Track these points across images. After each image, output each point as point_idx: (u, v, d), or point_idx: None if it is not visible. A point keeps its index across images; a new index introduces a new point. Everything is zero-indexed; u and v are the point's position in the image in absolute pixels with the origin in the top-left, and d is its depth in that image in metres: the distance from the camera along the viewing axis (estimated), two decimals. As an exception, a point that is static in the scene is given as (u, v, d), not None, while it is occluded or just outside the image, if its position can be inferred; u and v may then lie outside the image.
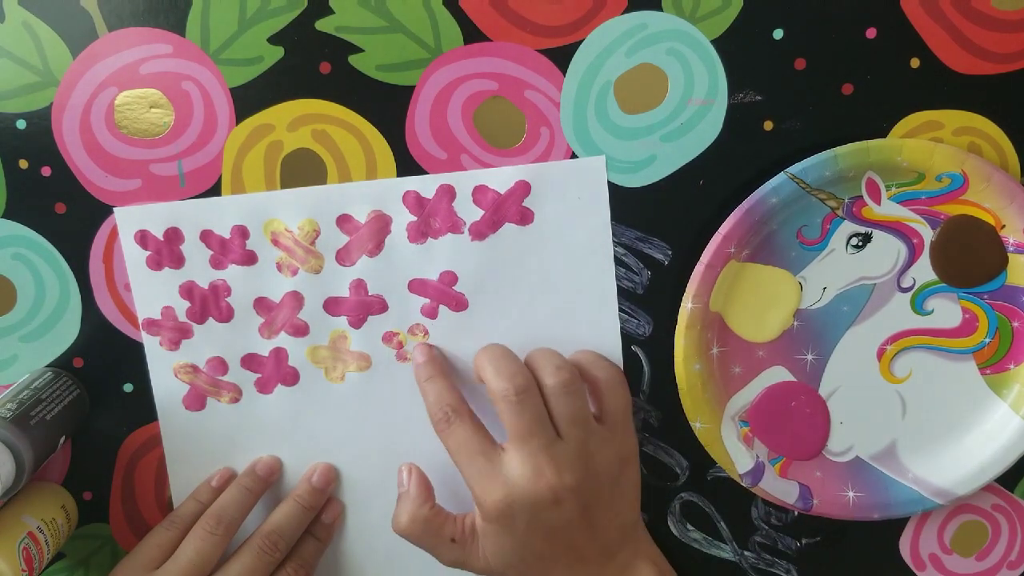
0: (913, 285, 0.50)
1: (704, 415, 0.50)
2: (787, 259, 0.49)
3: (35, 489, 0.50)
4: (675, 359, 0.50)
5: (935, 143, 0.47)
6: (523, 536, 0.45)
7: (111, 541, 0.53)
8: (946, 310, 0.50)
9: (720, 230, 0.48)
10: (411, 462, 0.50)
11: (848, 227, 0.49)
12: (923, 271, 0.50)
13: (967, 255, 0.49)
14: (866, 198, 0.49)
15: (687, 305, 0.49)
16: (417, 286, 0.50)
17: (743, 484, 0.51)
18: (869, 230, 0.49)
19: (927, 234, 0.49)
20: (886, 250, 0.49)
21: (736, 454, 0.50)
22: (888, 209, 0.49)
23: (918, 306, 0.50)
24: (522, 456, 0.44)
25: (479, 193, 0.49)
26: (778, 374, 0.51)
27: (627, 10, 0.47)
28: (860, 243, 0.49)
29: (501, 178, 0.49)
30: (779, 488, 0.51)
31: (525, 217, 0.49)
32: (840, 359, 0.51)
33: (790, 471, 0.51)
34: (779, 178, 0.47)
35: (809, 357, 0.51)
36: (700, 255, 0.49)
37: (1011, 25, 0.48)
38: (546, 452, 0.44)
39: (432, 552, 0.47)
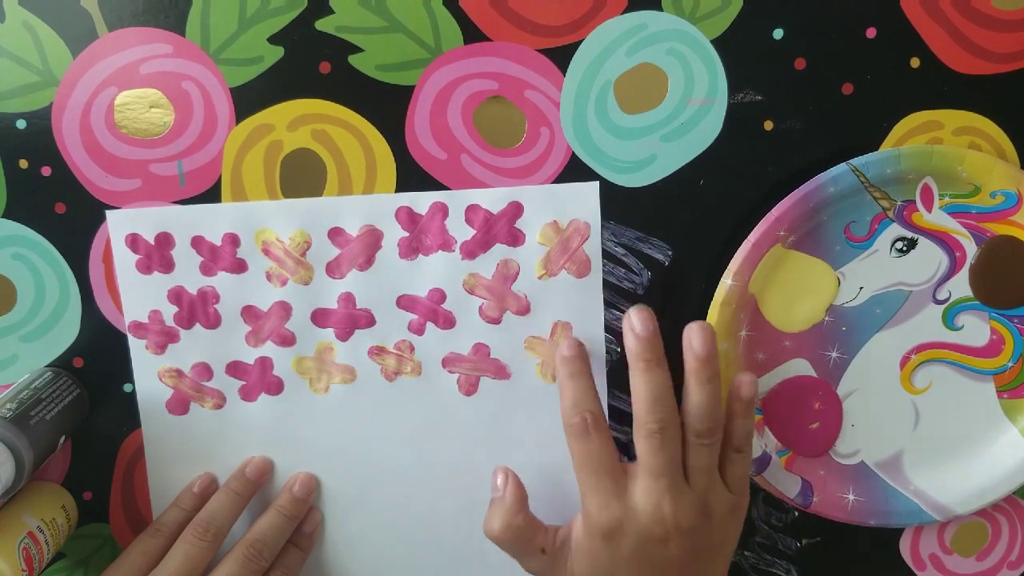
0: (948, 298, 0.50)
1: (722, 396, 0.50)
2: (831, 253, 0.49)
3: (35, 489, 0.50)
4: None
5: (997, 159, 0.47)
6: (622, 562, 0.45)
7: (111, 541, 0.53)
8: (976, 328, 0.50)
9: (773, 212, 0.48)
10: (507, 467, 0.49)
11: (896, 230, 0.49)
12: (960, 286, 0.50)
13: (1005, 276, 0.49)
14: (919, 203, 0.49)
15: (726, 282, 0.49)
16: (405, 302, 0.50)
17: None
18: (916, 236, 0.49)
19: (971, 249, 0.49)
20: (928, 259, 0.49)
21: None
22: (938, 218, 0.49)
23: (949, 320, 0.50)
24: (647, 489, 0.45)
25: (471, 212, 0.49)
26: (800, 367, 0.51)
27: (627, 10, 0.47)
28: (904, 248, 0.49)
29: (494, 198, 0.49)
30: (781, 480, 0.51)
31: (516, 239, 0.49)
32: (863, 361, 0.50)
33: (795, 466, 0.51)
34: (840, 168, 0.47)
35: (833, 355, 0.51)
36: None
37: (1011, 25, 0.48)
38: (671, 492, 0.44)
39: (519, 560, 0.47)
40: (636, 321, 0.46)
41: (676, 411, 0.45)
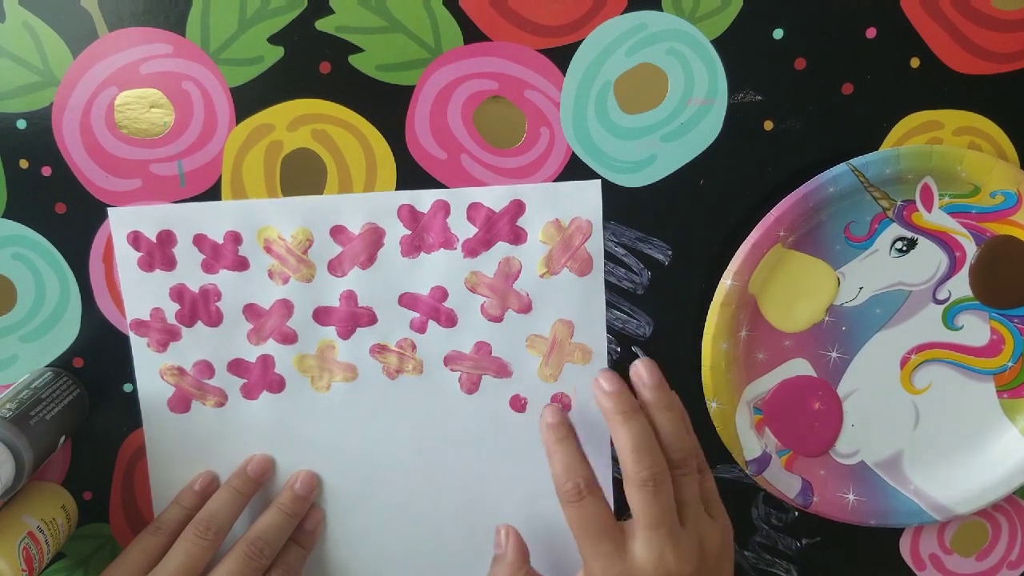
0: (948, 298, 0.50)
1: (722, 396, 0.50)
2: (831, 253, 0.49)
3: (35, 489, 0.50)
4: (704, 335, 0.49)
5: (996, 159, 0.47)
6: None
7: (111, 541, 0.53)
8: (975, 328, 0.50)
9: (773, 212, 0.48)
10: (509, 525, 0.49)
11: (895, 230, 0.49)
12: (960, 286, 0.50)
13: (1005, 276, 0.49)
14: (918, 203, 0.49)
15: (726, 282, 0.49)
16: (407, 300, 0.50)
17: (747, 472, 0.51)
18: (915, 236, 0.49)
19: (971, 249, 0.49)
20: (928, 259, 0.49)
21: (746, 440, 0.50)
22: (937, 218, 0.49)
23: (949, 320, 0.50)
24: (648, 542, 0.44)
25: (473, 210, 0.49)
26: (800, 367, 0.51)
27: (627, 10, 0.47)
28: (904, 248, 0.49)
29: (496, 196, 0.49)
30: (782, 480, 0.51)
31: (518, 237, 0.49)
32: (864, 361, 0.51)
33: (795, 466, 0.51)
34: (840, 168, 0.47)
35: (834, 355, 0.51)
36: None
37: (1011, 25, 0.48)
38: (671, 539, 0.44)
39: None
40: (603, 380, 0.48)
41: (663, 457, 0.45)
